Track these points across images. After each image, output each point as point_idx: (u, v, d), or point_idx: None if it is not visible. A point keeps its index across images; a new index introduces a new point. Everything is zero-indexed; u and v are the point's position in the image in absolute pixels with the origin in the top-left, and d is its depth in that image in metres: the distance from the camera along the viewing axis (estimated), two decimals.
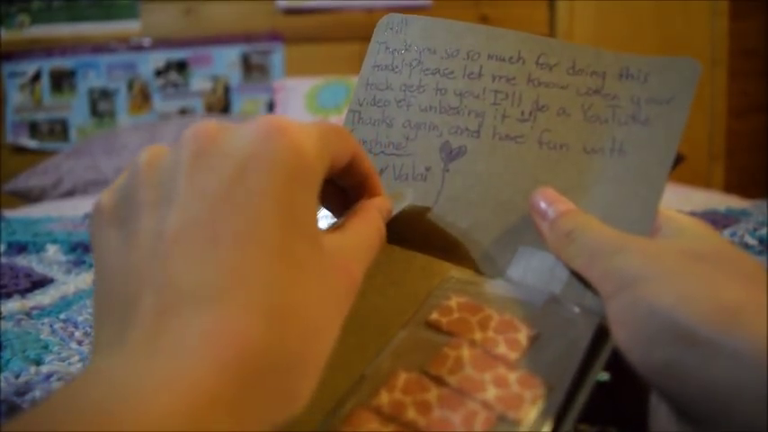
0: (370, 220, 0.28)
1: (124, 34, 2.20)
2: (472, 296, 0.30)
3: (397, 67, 0.37)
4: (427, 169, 0.35)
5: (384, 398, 0.25)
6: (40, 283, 0.69)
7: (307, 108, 1.75)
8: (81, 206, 1.34)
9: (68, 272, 0.75)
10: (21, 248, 0.89)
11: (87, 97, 2.20)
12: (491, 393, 0.25)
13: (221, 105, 2.20)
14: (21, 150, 2.18)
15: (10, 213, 1.35)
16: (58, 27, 2.21)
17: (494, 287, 0.31)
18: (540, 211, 0.31)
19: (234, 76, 2.21)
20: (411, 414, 0.25)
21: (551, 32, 2.22)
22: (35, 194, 1.76)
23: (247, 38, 2.20)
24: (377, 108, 0.37)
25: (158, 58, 2.20)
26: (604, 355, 0.26)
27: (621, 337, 0.25)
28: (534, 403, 0.25)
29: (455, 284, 0.31)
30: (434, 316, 0.29)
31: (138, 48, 2.20)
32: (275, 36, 2.20)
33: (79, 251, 0.84)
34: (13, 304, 0.62)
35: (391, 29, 0.38)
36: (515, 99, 0.34)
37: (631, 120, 0.31)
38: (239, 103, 2.20)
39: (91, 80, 2.20)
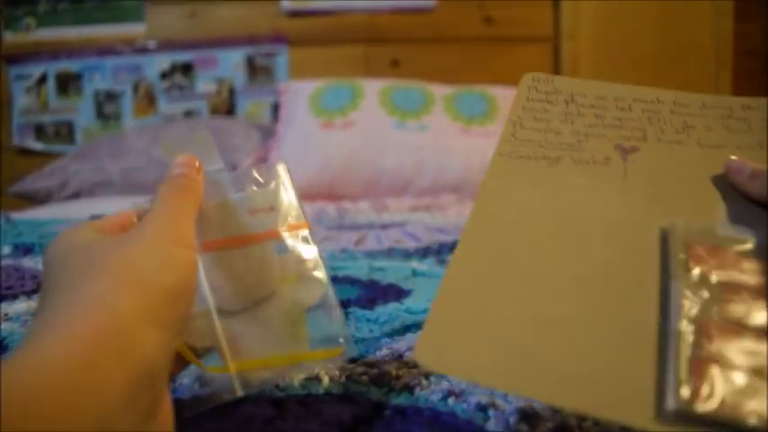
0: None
1: (129, 37, 2.21)
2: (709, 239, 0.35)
3: (551, 101, 0.47)
4: (607, 159, 0.42)
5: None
6: None
7: (311, 110, 1.75)
8: (87, 208, 1.35)
9: None
10: (27, 250, 0.89)
11: (93, 100, 2.20)
12: None
13: (226, 107, 2.21)
14: (27, 152, 2.19)
15: (16, 215, 1.35)
16: (64, 30, 2.22)
17: (722, 227, 0.36)
18: (736, 168, 0.39)
19: (239, 78, 2.21)
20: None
21: (555, 33, 2.22)
22: (41, 196, 1.77)
23: (252, 40, 2.20)
24: (538, 122, 0.45)
25: (163, 61, 2.21)
26: None
27: None
28: None
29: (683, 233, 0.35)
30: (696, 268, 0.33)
31: (144, 50, 2.20)
32: (280, 38, 2.20)
33: None
34: (20, 305, 0.62)
35: (536, 81, 0.48)
36: (666, 121, 0.45)
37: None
38: (244, 105, 2.21)
39: (96, 83, 2.21)
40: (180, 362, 0.36)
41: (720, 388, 0.26)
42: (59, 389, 0.24)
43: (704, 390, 0.26)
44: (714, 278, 0.32)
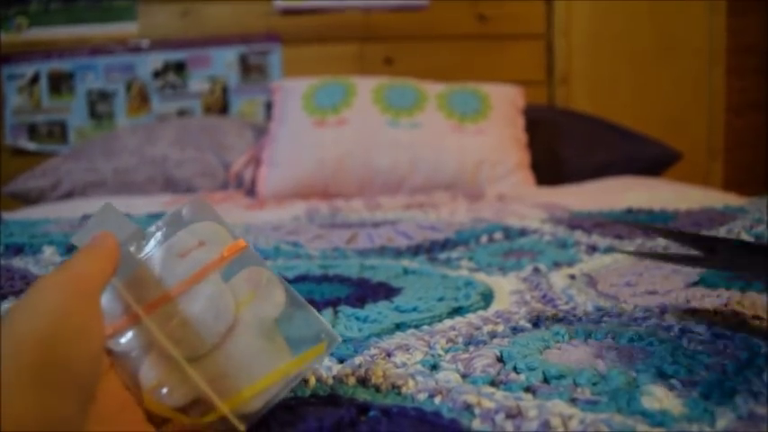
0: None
1: (122, 36, 2.20)
2: None
3: None
4: None
5: None
6: None
7: (304, 108, 1.75)
8: (79, 208, 1.34)
9: None
10: (17, 250, 0.89)
11: (86, 99, 2.20)
12: None
13: (219, 106, 2.20)
14: (20, 152, 2.18)
15: (8, 215, 1.35)
16: (56, 29, 2.21)
17: None
18: None
19: (232, 76, 2.21)
20: None
21: (548, 30, 2.22)
22: (34, 196, 1.76)
23: (245, 39, 2.20)
24: None
25: (156, 60, 2.20)
26: None
27: None
28: None
29: None
30: None
31: (137, 49, 2.20)
32: (273, 37, 2.20)
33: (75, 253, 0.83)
34: (7, 306, 0.62)
35: None
36: None
37: None
38: (237, 103, 2.20)
39: (89, 82, 2.20)
40: None
41: None
42: None
43: None
44: None
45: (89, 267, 0.34)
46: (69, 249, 0.88)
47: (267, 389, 0.35)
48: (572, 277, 0.72)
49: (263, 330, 0.37)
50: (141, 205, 1.37)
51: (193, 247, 0.39)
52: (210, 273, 0.38)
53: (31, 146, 2.19)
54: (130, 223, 0.39)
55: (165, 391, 0.35)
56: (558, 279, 0.72)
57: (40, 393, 0.26)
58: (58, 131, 2.20)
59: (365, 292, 0.67)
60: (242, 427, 0.34)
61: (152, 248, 0.39)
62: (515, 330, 0.53)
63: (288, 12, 2.19)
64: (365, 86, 1.79)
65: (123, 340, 0.36)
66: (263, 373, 0.36)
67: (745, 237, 0.89)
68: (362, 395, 0.40)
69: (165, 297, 0.37)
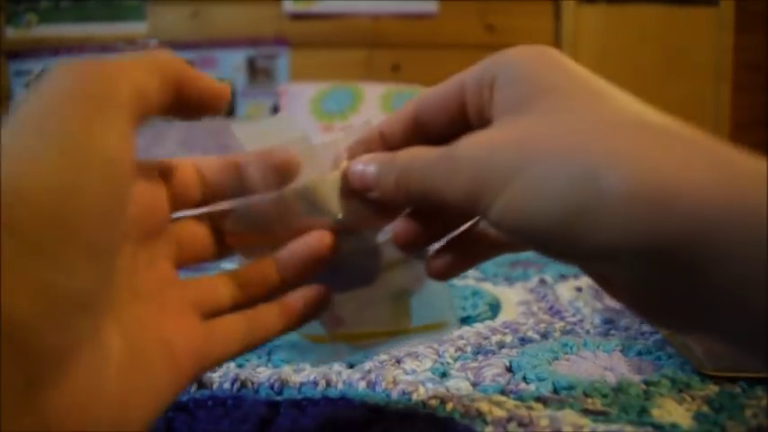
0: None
1: (131, 36, 2.21)
2: None
3: None
4: None
5: None
6: None
7: (311, 113, 1.76)
8: None
9: None
10: None
11: None
12: None
13: (225, 109, 2.21)
14: None
15: None
16: (65, 27, 2.22)
17: None
18: (365, 178, 0.31)
19: (239, 79, 2.22)
20: None
21: (557, 42, 2.23)
22: None
23: (253, 42, 2.21)
24: None
25: None
26: None
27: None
28: None
29: None
30: None
31: (145, 49, 2.20)
32: (281, 40, 2.20)
33: None
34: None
35: None
36: None
37: None
38: (244, 106, 2.21)
39: None
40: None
41: None
42: None
43: None
44: None
45: (131, 76, 0.24)
46: None
47: (376, 339, 0.36)
48: (578, 290, 0.73)
49: (396, 296, 0.36)
50: None
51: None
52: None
53: None
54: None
55: None
56: (565, 291, 0.72)
57: (39, 263, 0.19)
58: None
59: None
60: (346, 355, 0.36)
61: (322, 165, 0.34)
62: (524, 341, 0.53)
63: (297, 16, 2.20)
64: (373, 92, 1.80)
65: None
66: (377, 328, 0.36)
67: None
68: (373, 400, 0.40)
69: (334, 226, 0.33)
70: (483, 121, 0.29)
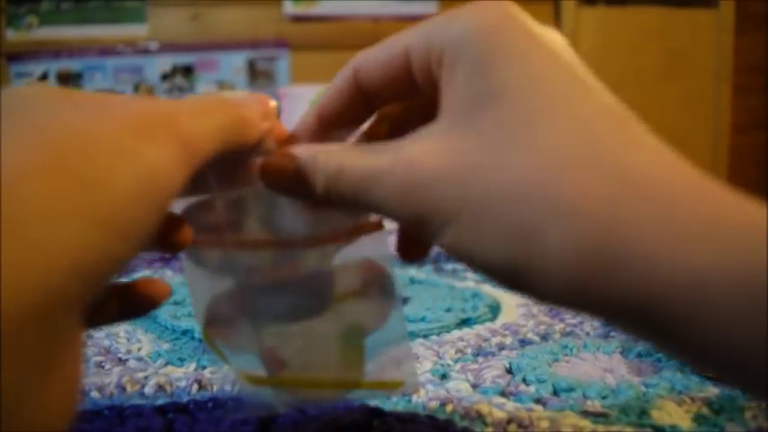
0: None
1: (131, 38, 2.21)
2: None
3: None
4: None
5: None
6: None
7: None
8: None
9: None
10: None
11: None
12: None
13: None
14: None
15: None
16: (66, 29, 2.23)
17: None
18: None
19: (240, 81, 2.22)
20: None
21: None
22: None
23: (254, 44, 2.21)
24: None
25: (165, 63, 2.21)
26: None
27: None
28: None
29: None
30: None
31: (145, 51, 2.21)
32: (281, 43, 2.21)
33: None
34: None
35: None
36: None
37: None
38: None
39: (97, 82, 2.21)
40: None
41: None
42: None
43: None
44: None
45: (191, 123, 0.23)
46: None
47: (319, 391, 0.31)
48: None
49: (349, 336, 0.31)
50: None
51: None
52: (331, 244, 0.29)
53: None
54: None
55: None
56: None
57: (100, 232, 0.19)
58: None
59: None
60: (282, 408, 0.30)
61: None
62: (523, 343, 0.53)
63: (297, 18, 2.20)
64: None
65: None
66: (323, 374, 0.31)
67: None
68: (373, 400, 0.40)
69: (267, 242, 0.29)
70: (432, 88, 0.26)
